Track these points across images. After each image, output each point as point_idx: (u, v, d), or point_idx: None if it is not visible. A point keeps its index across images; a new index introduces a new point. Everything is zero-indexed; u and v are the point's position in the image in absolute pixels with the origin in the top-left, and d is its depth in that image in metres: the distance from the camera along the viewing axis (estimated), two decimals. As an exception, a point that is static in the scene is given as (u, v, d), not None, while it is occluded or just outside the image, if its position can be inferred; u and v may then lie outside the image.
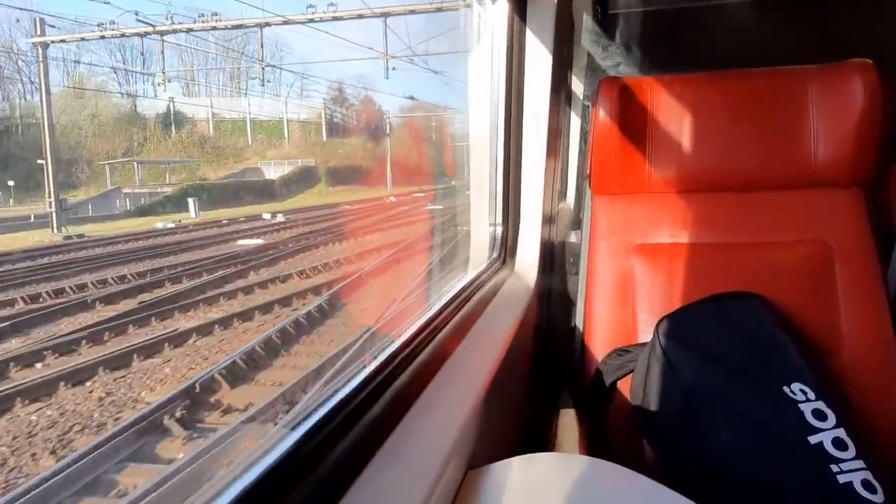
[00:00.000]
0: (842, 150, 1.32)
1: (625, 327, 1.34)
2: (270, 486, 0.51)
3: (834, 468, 0.96)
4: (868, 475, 0.95)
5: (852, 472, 0.96)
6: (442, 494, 0.65)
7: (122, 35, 18.06)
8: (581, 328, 1.42)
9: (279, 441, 0.56)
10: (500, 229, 1.50)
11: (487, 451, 0.87)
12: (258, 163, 32.65)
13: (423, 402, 0.77)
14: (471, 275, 1.32)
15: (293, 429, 0.58)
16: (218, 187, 26.27)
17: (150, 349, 5.54)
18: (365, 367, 0.74)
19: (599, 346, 1.35)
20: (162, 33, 17.55)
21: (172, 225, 17.01)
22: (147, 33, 17.36)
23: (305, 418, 0.60)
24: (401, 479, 0.60)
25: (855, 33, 1.90)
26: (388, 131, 34.70)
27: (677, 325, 1.19)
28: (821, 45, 1.65)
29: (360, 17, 16.23)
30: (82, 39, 20.50)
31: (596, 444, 1.27)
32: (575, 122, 2.61)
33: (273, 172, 31.14)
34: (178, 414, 4.20)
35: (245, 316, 6.68)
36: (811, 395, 1.04)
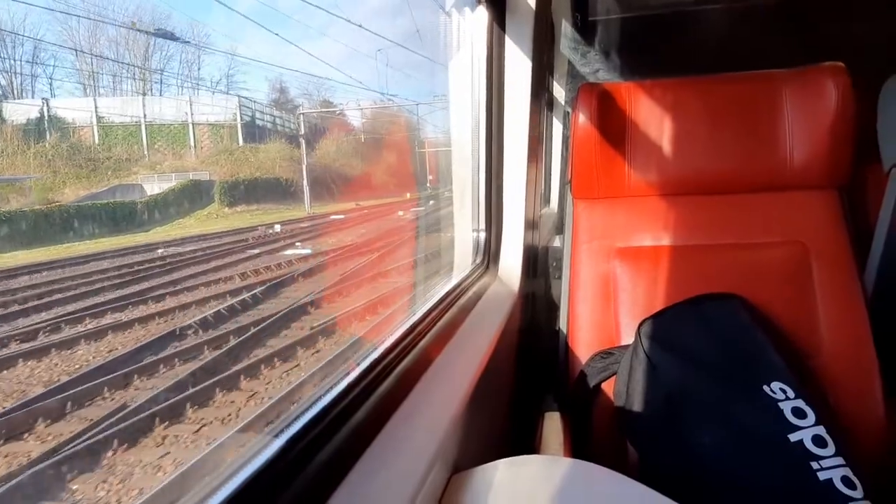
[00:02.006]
0: (817, 153, 1.34)
1: (607, 330, 1.36)
2: (253, 493, 0.51)
3: (814, 465, 0.97)
4: (847, 472, 0.97)
5: (832, 468, 0.97)
6: (426, 498, 0.66)
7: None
8: (565, 331, 1.43)
9: (262, 448, 0.56)
10: (483, 235, 1.51)
11: (472, 454, 0.87)
12: (138, 178, 24.53)
13: (407, 407, 0.77)
14: (454, 280, 1.32)
15: (276, 436, 0.58)
16: (56, 213, 17.64)
17: None
18: (348, 373, 0.74)
19: (583, 349, 1.36)
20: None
21: None
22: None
23: (288, 425, 0.60)
24: (384, 483, 0.61)
25: (829, 37, 1.94)
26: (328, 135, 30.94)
27: (658, 326, 1.20)
28: (796, 49, 1.68)
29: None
30: None
31: (580, 446, 1.28)
32: (557, 128, 2.63)
33: (158, 188, 23.41)
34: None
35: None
36: (791, 394, 1.06)
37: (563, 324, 1.44)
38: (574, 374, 1.35)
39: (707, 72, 1.46)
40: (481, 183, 1.49)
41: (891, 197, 1.39)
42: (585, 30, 2.23)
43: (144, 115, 28.25)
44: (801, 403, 1.05)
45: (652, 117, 1.41)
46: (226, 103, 29.35)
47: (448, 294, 1.19)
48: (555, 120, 2.62)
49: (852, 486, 0.95)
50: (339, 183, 28.60)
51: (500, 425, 1.29)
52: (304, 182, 23.98)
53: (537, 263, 1.72)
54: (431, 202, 20.26)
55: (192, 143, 28.17)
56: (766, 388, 1.07)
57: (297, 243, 12.89)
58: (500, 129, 1.50)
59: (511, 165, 1.53)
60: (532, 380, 1.56)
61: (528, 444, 1.21)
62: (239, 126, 28.83)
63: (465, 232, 1.52)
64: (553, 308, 1.55)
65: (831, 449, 0.99)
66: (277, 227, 16.03)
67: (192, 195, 23.34)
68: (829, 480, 0.96)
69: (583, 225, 1.45)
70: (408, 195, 26.90)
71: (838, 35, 1.94)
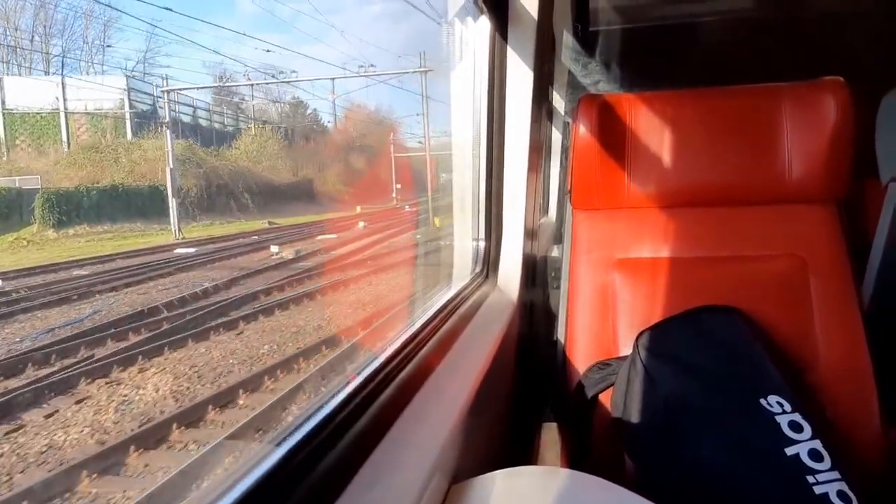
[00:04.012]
0: (815, 166, 1.35)
1: (606, 341, 1.36)
2: (255, 503, 0.51)
3: (810, 479, 0.98)
4: (843, 486, 0.97)
5: (828, 482, 0.97)
6: None
7: None
8: (563, 342, 1.43)
9: (263, 458, 0.56)
10: (482, 244, 1.51)
11: (471, 465, 0.87)
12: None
13: (407, 417, 0.77)
14: (454, 290, 1.33)
15: (278, 445, 0.58)
16: None
17: None
18: (349, 383, 0.74)
19: (581, 360, 1.37)
20: None
21: None
22: None
23: (290, 434, 0.60)
24: (385, 493, 0.61)
25: (828, 51, 1.96)
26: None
27: (656, 338, 1.21)
28: (795, 62, 1.69)
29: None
30: None
31: (578, 458, 1.28)
32: (556, 138, 2.65)
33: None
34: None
35: None
36: (787, 408, 1.06)
37: (561, 334, 1.44)
38: (572, 384, 1.35)
39: (707, 84, 1.47)
40: (481, 192, 1.50)
41: (888, 210, 1.41)
42: (586, 41, 2.24)
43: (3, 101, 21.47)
44: (797, 417, 1.05)
45: (652, 129, 1.42)
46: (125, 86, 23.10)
47: (448, 303, 1.19)
48: (554, 130, 2.63)
49: (848, 501, 0.96)
50: (256, 193, 23.00)
51: (498, 435, 1.29)
52: (169, 191, 17.46)
53: (536, 273, 1.72)
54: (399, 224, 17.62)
55: (66, 138, 21.84)
56: (762, 401, 1.07)
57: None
58: (501, 138, 1.51)
59: (511, 175, 1.54)
60: (530, 390, 1.56)
61: (526, 454, 1.21)
62: (127, 115, 22.24)
63: (465, 241, 1.52)
64: (551, 318, 1.56)
65: (827, 463, 0.99)
66: (79, 272, 10.81)
67: (5, 212, 16.44)
68: (825, 494, 0.96)
69: (582, 235, 1.46)
70: (358, 209, 23.05)
71: (837, 49, 1.95)
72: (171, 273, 10.65)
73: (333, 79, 21.36)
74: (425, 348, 0.95)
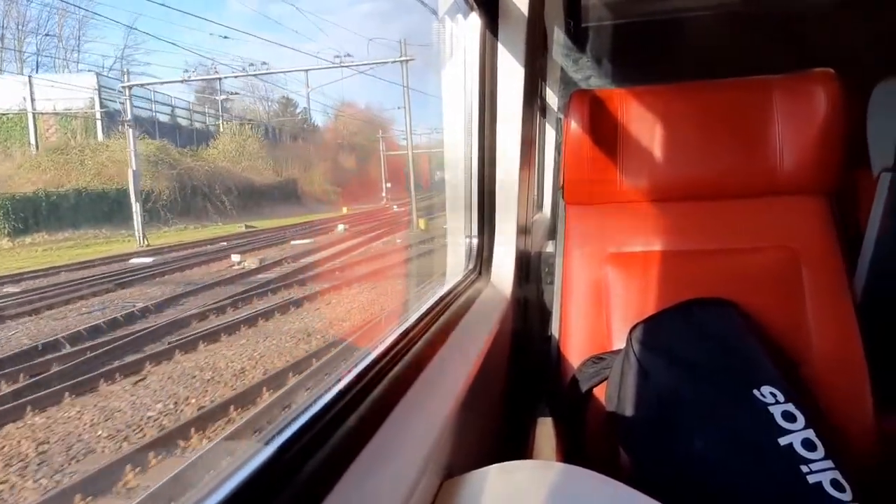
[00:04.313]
0: (807, 158, 1.35)
1: (599, 335, 1.36)
2: (242, 501, 0.51)
3: (804, 468, 0.98)
4: (837, 475, 0.98)
5: (822, 471, 0.98)
6: None
7: None
8: (557, 337, 1.43)
9: (253, 455, 0.56)
10: (475, 241, 1.51)
11: (464, 460, 0.87)
12: None
13: (399, 412, 0.77)
14: (447, 286, 1.33)
15: (268, 442, 0.58)
16: None
17: None
18: (340, 379, 0.74)
19: (575, 354, 1.37)
20: None
21: None
22: None
23: (279, 432, 0.60)
24: (376, 489, 0.61)
25: (819, 44, 1.96)
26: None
27: (650, 331, 1.21)
28: (786, 55, 1.70)
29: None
30: None
31: (573, 452, 1.28)
32: (550, 134, 2.65)
33: None
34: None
35: None
36: (780, 398, 1.07)
37: (555, 329, 1.45)
38: (566, 379, 1.35)
39: (698, 78, 1.47)
40: (474, 189, 1.50)
41: (879, 201, 1.41)
42: (578, 36, 2.25)
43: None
44: (790, 407, 1.05)
45: (643, 124, 1.42)
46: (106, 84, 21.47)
47: (441, 300, 1.19)
48: (547, 126, 2.63)
49: (842, 490, 0.96)
50: (235, 195, 21.73)
51: (492, 431, 1.29)
52: (131, 194, 15.95)
53: (530, 269, 1.72)
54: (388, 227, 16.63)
55: (35, 140, 20.19)
56: (756, 392, 1.07)
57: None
58: (493, 134, 1.51)
59: (503, 171, 1.54)
60: (524, 385, 1.56)
61: (520, 449, 1.21)
62: (98, 115, 20.53)
63: (458, 237, 1.52)
64: (545, 313, 1.56)
65: (821, 452, 1.00)
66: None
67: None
68: (819, 483, 0.97)
69: (575, 230, 1.46)
70: (344, 210, 22.74)
71: (828, 41, 1.96)
72: (108, 290, 9.31)
73: (307, 70, 19.96)
74: (418, 344, 0.95)
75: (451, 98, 1.49)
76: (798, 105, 1.36)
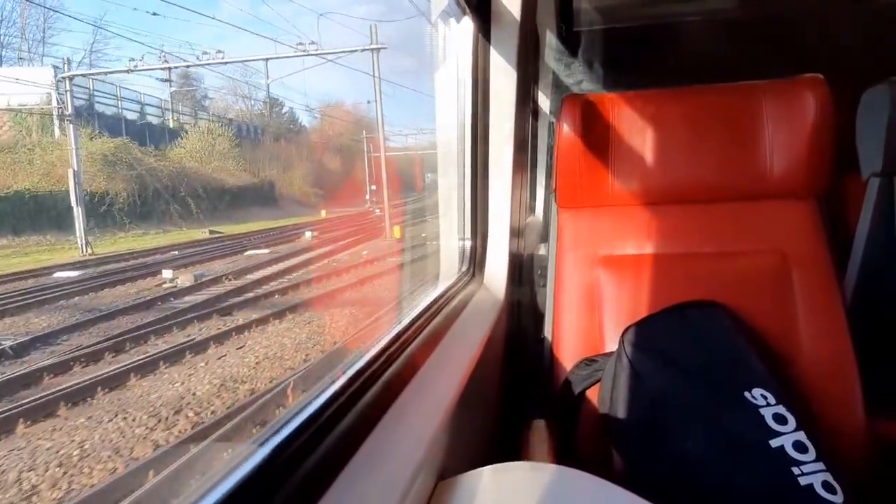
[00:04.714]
0: (796, 162, 1.36)
1: (592, 337, 1.36)
2: (238, 502, 0.51)
3: (795, 470, 0.99)
4: (828, 476, 0.98)
5: (813, 473, 0.99)
6: None
7: None
8: (550, 339, 1.43)
9: (245, 458, 0.56)
10: (468, 243, 1.51)
11: (458, 461, 0.87)
12: None
13: (393, 415, 0.77)
14: (440, 288, 1.33)
15: (261, 445, 0.58)
16: None
17: None
18: (334, 381, 0.74)
19: (568, 357, 1.37)
20: None
21: None
22: None
23: (273, 434, 0.60)
24: (370, 491, 0.61)
25: (809, 49, 1.98)
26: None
27: (642, 333, 1.22)
28: (777, 60, 1.71)
29: None
30: None
31: (566, 453, 1.29)
32: (542, 138, 2.65)
33: None
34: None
35: None
36: (771, 400, 1.07)
37: (548, 331, 1.45)
38: (559, 381, 1.35)
39: (688, 83, 1.48)
40: (467, 192, 1.50)
41: (869, 205, 1.42)
42: (570, 41, 2.26)
43: None
44: (781, 409, 1.06)
45: (634, 128, 1.43)
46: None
47: (434, 302, 1.19)
48: (540, 129, 2.64)
49: (833, 491, 0.97)
50: (202, 198, 20.10)
51: (486, 432, 1.29)
52: (72, 197, 14.21)
53: (523, 271, 1.73)
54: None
55: None
56: (747, 394, 1.08)
57: None
58: (486, 138, 1.51)
59: (496, 174, 1.54)
60: (518, 387, 1.56)
61: (514, 451, 1.21)
62: (54, 111, 18.10)
63: (451, 240, 1.52)
64: (538, 316, 1.56)
65: (812, 454, 1.01)
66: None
67: None
68: (810, 485, 0.97)
69: (567, 233, 1.47)
70: (323, 213, 21.43)
71: (818, 47, 1.98)
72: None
73: (267, 59, 17.79)
74: (411, 347, 0.95)
75: (444, 101, 1.50)
76: (787, 110, 1.37)
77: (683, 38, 2.17)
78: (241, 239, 15.67)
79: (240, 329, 6.96)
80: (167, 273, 10.44)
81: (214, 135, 23.79)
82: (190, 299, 8.60)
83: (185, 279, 9.92)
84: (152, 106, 23.99)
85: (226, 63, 17.47)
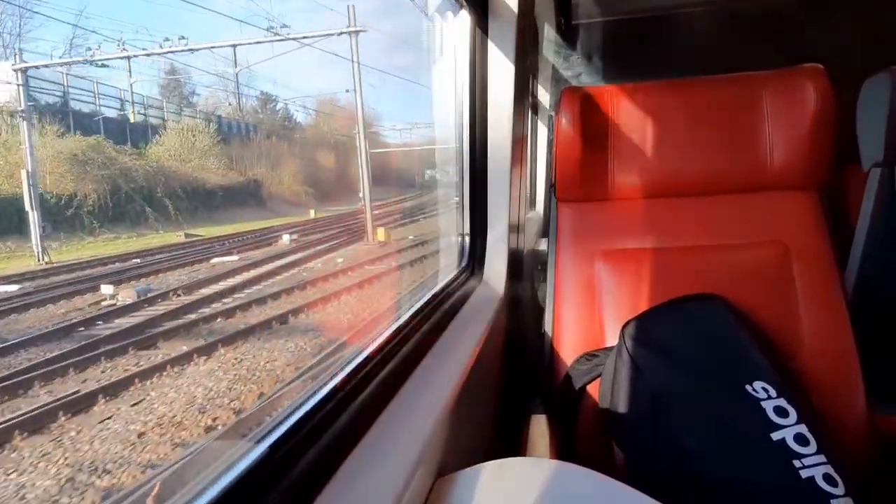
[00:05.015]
0: (796, 154, 1.35)
1: (592, 332, 1.36)
2: (233, 500, 0.51)
3: (796, 463, 0.98)
4: (829, 469, 0.98)
5: (814, 466, 0.98)
6: (410, 502, 0.65)
7: None
8: (550, 334, 1.43)
9: (242, 456, 0.55)
10: (468, 238, 1.51)
11: (458, 458, 0.87)
12: None
13: (392, 411, 0.77)
14: (440, 284, 1.32)
15: (258, 442, 0.58)
16: None
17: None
18: (332, 377, 0.74)
19: (568, 352, 1.37)
20: None
21: None
22: None
23: (271, 431, 0.60)
24: (368, 488, 0.60)
25: (809, 39, 1.97)
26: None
27: (642, 327, 1.21)
28: (776, 51, 1.70)
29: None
30: None
31: (567, 449, 1.28)
32: (542, 132, 2.65)
33: None
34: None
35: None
36: (773, 393, 1.07)
37: (548, 326, 1.44)
38: (560, 376, 1.35)
39: (688, 74, 1.47)
40: (466, 187, 1.50)
41: (870, 196, 1.42)
42: (568, 33, 2.25)
43: None
44: (783, 402, 1.06)
45: (634, 120, 1.42)
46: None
47: (433, 298, 1.19)
48: (540, 123, 2.63)
49: (834, 484, 0.96)
50: (182, 198, 18.72)
51: (486, 428, 1.29)
52: (26, 201, 12.83)
53: (523, 266, 1.72)
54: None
55: None
56: (748, 387, 1.08)
57: None
58: (484, 132, 1.51)
59: (495, 169, 1.54)
60: (518, 382, 1.56)
61: (514, 446, 1.21)
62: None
63: (451, 235, 1.52)
64: (539, 310, 1.56)
65: (813, 447, 1.00)
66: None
67: None
68: (812, 478, 0.97)
69: (567, 228, 1.46)
70: (312, 213, 20.29)
71: (818, 37, 1.97)
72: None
73: (235, 45, 15.87)
74: (410, 343, 0.95)
75: (441, 96, 1.49)
76: (787, 100, 1.36)
77: (682, 30, 2.16)
78: (216, 243, 14.07)
79: (150, 372, 5.36)
80: (107, 289, 8.76)
81: (197, 131, 22.20)
82: (119, 323, 7.06)
83: (126, 295, 8.32)
84: (135, 103, 21.42)
85: (192, 51, 15.70)
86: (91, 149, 17.31)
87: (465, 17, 1.42)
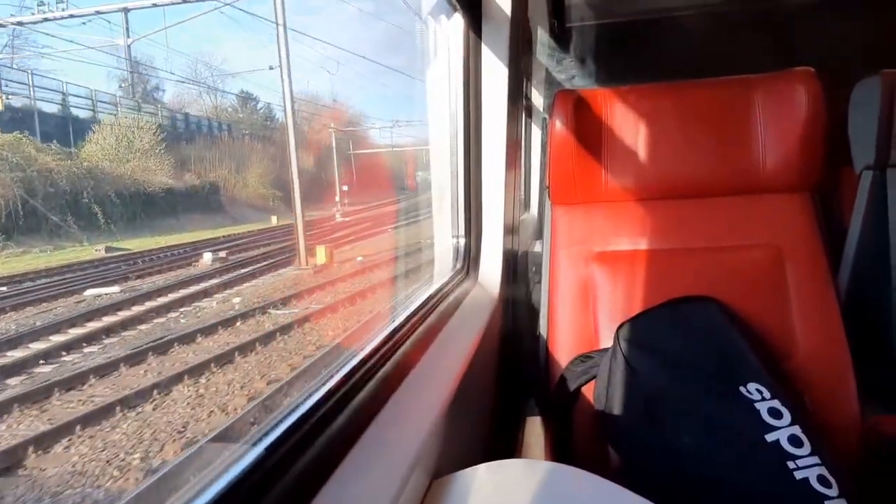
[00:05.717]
0: (789, 156, 1.36)
1: (587, 334, 1.36)
2: (232, 501, 0.50)
3: (791, 465, 0.99)
4: (823, 470, 0.98)
5: (808, 467, 0.98)
6: None
7: None
8: (545, 336, 1.43)
9: (241, 456, 0.55)
10: (462, 241, 1.51)
11: (453, 459, 0.87)
12: None
13: (387, 413, 0.77)
14: (434, 286, 1.32)
15: (254, 444, 0.58)
16: None
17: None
18: (327, 380, 0.74)
19: (563, 353, 1.37)
20: None
21: None
22: None
23: (266, 433, 0.60)
24: (363, 490, 0.60)
25: (801, 42, 1.99)
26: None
27: (636, 329, 1.22)
28: (768, 54, 1.71)
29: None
30: None
31: (561, 450, 1.29)
32: (536, 134, 2.66)
33: None
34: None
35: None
36: (766, 395, 1.07)
37: (543, 328, 1.45)
38: (555, 378, 1.35)
39: (680, 77, 1.48)
40: (460, 189, 1.50)
41: (862, 198, 1.43)
42: (562, 36, 2.26)
43: None
44: (776, 404, 1.06)
45: (627, 123, 1.42)
46: None
47: (428, 300, 1.19)
48: (534, 126, 2.64)
49: (828, 485, 0.97)
50: (116, 204, 15.90)
51: (481, 430, 1.29)
52: None
53: (517, 269, 1.73)
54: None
55: None
56: (742, 388, 1.08)
57: None
58: (478, 135, 1.51)
59: (489, 171, 1.54)
60: (513, 384, 1.56)
61: (509, 448, 1.21)
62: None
63: (445, 238, 1.52)
64: (533, 313, 1.56)
65: (807, 448, 1.01)
66: None
67: None
68: (806, 479, 0.97)
69: (561, 230, 1.46)
70: (274, 220, 17.76)
71: (810, 40, 1.98)
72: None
73: (127, 10, 13.38)
74: (405, 345, 0.95)
75: (435, 98, 1.49)
76: (779, 103, 1.37)
77: (675, 33, 2.18)
78: (135, 259, 11.73)
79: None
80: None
81: (137, 127, 18.83)
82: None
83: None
84: (81, 97, 19.37)
85: (72, 17, 13.35)
86: (4, 147, 14.62)
87: (458, 21, 1.42)
